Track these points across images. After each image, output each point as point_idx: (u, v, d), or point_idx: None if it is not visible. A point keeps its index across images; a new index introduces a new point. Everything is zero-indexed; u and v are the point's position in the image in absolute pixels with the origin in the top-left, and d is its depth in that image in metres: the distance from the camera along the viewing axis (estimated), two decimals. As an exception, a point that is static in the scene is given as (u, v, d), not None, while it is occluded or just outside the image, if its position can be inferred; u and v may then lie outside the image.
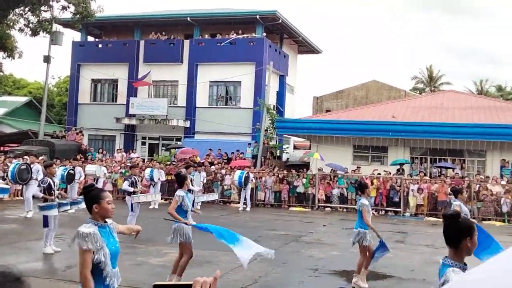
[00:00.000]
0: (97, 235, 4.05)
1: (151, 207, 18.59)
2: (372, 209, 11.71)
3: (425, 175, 23.20)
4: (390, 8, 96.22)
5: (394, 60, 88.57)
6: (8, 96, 44.07)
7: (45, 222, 10.73)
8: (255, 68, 31.03)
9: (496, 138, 23.39)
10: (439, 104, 28.20)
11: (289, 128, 28.69)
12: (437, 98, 30.40)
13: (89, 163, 24.06)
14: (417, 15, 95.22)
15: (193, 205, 16.22)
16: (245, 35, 31.86)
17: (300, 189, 22.81)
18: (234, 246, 6.59)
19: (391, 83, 40.70)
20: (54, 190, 11.06)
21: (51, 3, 29.57)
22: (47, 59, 30.74)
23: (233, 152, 27.15)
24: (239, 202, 21.83)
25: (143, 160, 27.92)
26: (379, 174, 22.94)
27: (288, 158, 31.81)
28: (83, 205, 11.91)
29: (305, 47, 38.48)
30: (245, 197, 21.33)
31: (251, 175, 21.71)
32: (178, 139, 32.23)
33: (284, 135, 31.65)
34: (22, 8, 28.86)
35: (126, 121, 32.67)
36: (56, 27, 31.04)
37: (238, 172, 21.35)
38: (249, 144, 28.56)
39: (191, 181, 16.82)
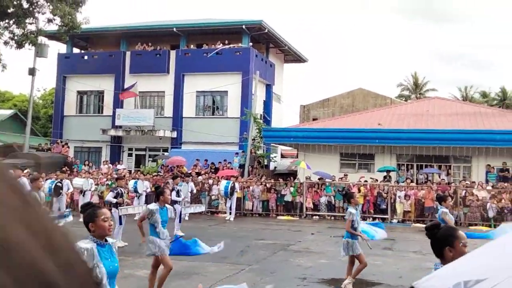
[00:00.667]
0: (94, 252, 3.99)
1: (135, 218, 18.43)
2: (360, 216, 11.71)
3: (411, 181, 23.34)
4: (373, 17, 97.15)
5: (380, 68, 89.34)
6: (-7, 109, 43.73)
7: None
8: (242, 78, 31.10)
9: (481, 144, 23.62)
10: (424, 111, 28.44)
11: (276, 137, 28.75)
12: (422, 105, 30.66)
13: (76, 176, 23.88)
14: (401, 22, 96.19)
15: (180, 217, 16.21)
16: (231, 45, 31.95)
17: (288, 198, 22.82)
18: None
19: (377, 90, 40.98)
20: None
21: (36, 15, 29.46)
22: (32, 71, 30.58)
23: (220, 162, 27.13)
24: (226, 212, 21.77)
25: (130, 172, 27.77)
26: (366, 181, 23.03)
27: (275, 167, 31.83)
28: (69, 219, 11.85)
29: (291, 56, 38.67)
30: (230, 206, 21.28)
31: (237, 185, 21.68)
32: (165, 150, 32.13)
33: (271, 144, 31.68)
34: (7, 21, 28.71)
35: (113, 132, 32.52)
36: (41, 39, 30.89)
37: (224, 182, 21.30)
38: (236, 153, 28.55)
39: (178, 191, 16.75)
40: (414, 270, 10.91)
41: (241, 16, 32.61)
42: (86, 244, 4.00)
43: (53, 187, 18.43)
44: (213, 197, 23.06)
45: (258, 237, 15.78)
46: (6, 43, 29.58)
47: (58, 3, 28.29)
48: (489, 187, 21.48)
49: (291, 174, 26.48)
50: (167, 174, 25.34)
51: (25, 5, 28.81)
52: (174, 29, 32.63)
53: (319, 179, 23.62)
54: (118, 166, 28.48)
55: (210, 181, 23.52)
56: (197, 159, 27.45)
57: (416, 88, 53.50)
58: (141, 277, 9.98)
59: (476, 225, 19.97)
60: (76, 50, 37.26)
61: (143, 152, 33.40)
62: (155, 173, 26.61)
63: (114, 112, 32.76)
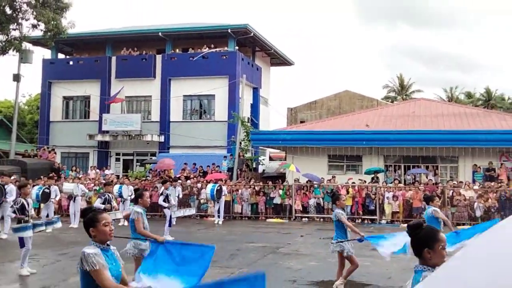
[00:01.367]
0: (101, 256, 3.96)
1: (120, 224, 18.31)
2: (348, 218, 11.79)
3: (399, 182, 23.48)
4: (356, 21, 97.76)
5: (365, 70, 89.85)
6: (-22, 116, 43.24)
7: (21, 242, 10.50)
8: (228, 81, 31.13)
9: (468, 144, 23.83)
10: (411, 112, 28.65)
11: (264, 140, 28.77)
12: (408, 106, 30.88)
13: (64, 181, 23.70)
14: (382, 26, 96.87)
15: (170, 221, 16.16)
16: (217, 49, 31.97)
17: (277, 200, 22.84)
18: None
19: (363, 92, 41.22)
20: (28, 211, 10.86)
21: (20, 21, 29.24)
22: (16, 77, 30.34)
23: (208, 166, 27.08)
24: (214, 216, 21.71)
25: (118, 177, 27.62)
26: (354, 183, 23.13)
27: (264, 170, 31.86)
28: (58, 225, 11.75)
29: (277, 60, 38.78)
30: (218, 209, 21.23)
31: (224, 188, 21.64)
32: (153, 154, 32.03)
33: (260, 147, 31.72)
34: (-10, 27, 28.46)
35: (100, 137, 32.36)
36: (25, 45, 30.66)
37: (210, 186, 21.21)
38: (225, 157, 28.53)
39: (168, 196, 16.70)
40: (403, 271, 10.95)
41: (227, 20, 32.60)
42: (92, 249, 3.97)
43: (40, 193, 18.26)
44: (202, 201, 23.01)
45: (248, 240, 15.77)
46: (-10, 49, 29.33)
47: (42, 9, 28.11)
48: (476, 187, 21.67)
49: (279, 177, 26.51)
50: (155, 179, 25.25)
51: (8, 11, 28.59)
52: (160, 34, 32.58)
53: (307, 181, 23.68)
54: (106, 171, 28.32)
55: (199, 185, 23.46)
56: (185, 163, 27.39)
57: (402, 89, 53.91)
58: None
59: (463, 224, 20.10)
60: (61, 56, 37.06)
61: (130, 157, 33.26)
62: (143, 178, 26.50)
63: (100, 117, 32.61)
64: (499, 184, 21.59)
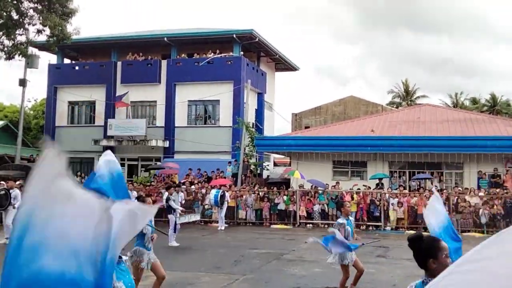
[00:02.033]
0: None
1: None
2: (354, 226, 11.68)
3: (404, 188, 23.39)
4: (360, 26, 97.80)
5: (370, 75, 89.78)
6: (-16, 120, 43.41)
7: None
8: (233, 87, 31.15)
9: (473, 150, 23.74)
10: (416, 118, 28.58)
11: (268, 145, 28.75)
12: (413, 112, 30.81)
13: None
14: (385, 31, 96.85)
15: (175, 227, 16.14)
16: (222, 54, 32.03)
17: (281, 206, 22.80)
18: None
19: (368, 98, 41.18)
20: None
21: (26, 26, 29.37)
22: (22, 82, 30.45)
23: (213, 171, 27.08)
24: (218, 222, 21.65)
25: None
26: (359, 189, 23.06)
27: (268, 176, 31.81)
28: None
29: (282, 65, 38.80)
30: (221, 215, 21.17)
31: (227, 194, 21.59)
32: (158, 160, 32.05)
33: (264, 153, 31.70)
34: (-3, 32, 28.60)
35: (105, 142, 32.42)
36: (31, 50, 30.79)
37: (213, 191, 21.17)
38: (229, 162, 28.52)
39: (173, 201, 16.68)
40: (408, 278, 10.91)
41: (232, 25, 32.68)
42: None
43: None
44: (206, 207, 22.99)
45: (252, 246, 15.74)
46: (-4, 55, 29.46)
47: (48, 14, 28.24)
48: (481, 193, 21.57)
49: (284, 183, 26.47)
50: (159, 184, 25.26)
51: (15, 16, 28.73)
52: (165, 39, 32.67)
53: (313, 186, 23.62)
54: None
55: (203, 191, 23.45)
56: (189, 169, 27.41)
57: (407, 95, 53.79)
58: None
59: (469, 231, 20.02)
60: (67, 61, 37.21)
61: (135, 162, 33.30)
62: (148, 183, 26.51)
63: (105, 122, 32.68)
64: (505, 191, 21.49)
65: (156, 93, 32.86)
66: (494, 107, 50.09)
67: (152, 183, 26.61)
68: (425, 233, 3.72)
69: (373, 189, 23.13)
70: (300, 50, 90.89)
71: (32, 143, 41.82)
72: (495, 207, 20.40)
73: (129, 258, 7.95)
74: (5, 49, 29.16)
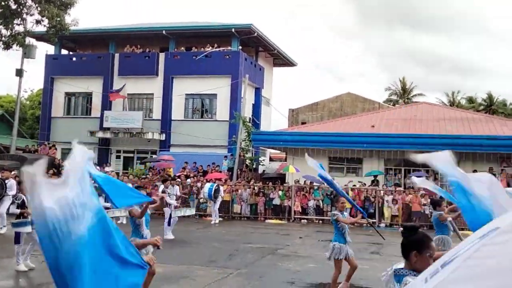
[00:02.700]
0: None
1: (119, 221, 18.30)
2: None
3: (399, 186, 23.46)
4: (357, 23, 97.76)
5: (366, 73, 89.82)
6: (-21, 110, 43.27)
7: (17, 239, 10.54)
8: (231, 81, 31.13)
9: (468, 149, 23.79)
10: (412, 116, 28.62)
11: (265, 140, 28.76)
12: (410, 110, 30.85)
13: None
14: (382, 29, 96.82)
15: (169, 220, 16.15)
16: (220, 48, 31.97)
17: (276, 201, 22.85)
18: None
19: (365, 95, 41.17)
20: (27, 207, 10.88)
21: (24, 16, 29.25)
22: (19, 72, 30.34)
23: (209, 165, 27.09)
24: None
25: (118, 174, 27.62)
26: (354, 185, 23.12)
27: (264, 171, 31.84)
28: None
29: (281, 60, 38.76)
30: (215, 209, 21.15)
31: (221, 188, 21.58)
32: (154, 153, 32.03)
33: (260, 147, 31.71)
34: (-5, 22, 28.48)
35: (101, 134, 32.36)
36: (29, 40, 30.67)
37: (208, 185, 21.17)
38: (225, 156, 28.53)
39: (169, 194, 16.68)
40: (401, 275, 10.95)
41: (231, 19, 32.61)
42: None
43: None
44: (201, 200, 23.01)
45: (246, 241, 15.78)
46: (-7, 44, 29.36)
47: (46, 5, 28.13)
48: (475, 192, 21.61)
49: (279, 178, 26.50)
50: (155, 177, 25.25)
51: (13, 6, 28.61)
52: (164, 32, 32.59)
53: (308, 182, 23.66)
54: (106, 169, 28.29)
55: (199, 184, 23.46)
56: (185, 162, 27.41)
57: (403, 93, 53.86)
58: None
59: (463, 229, 20.07)
60: (64, 52, 37.08)
61: (131, 155, 33.27)
62: (143, 176, 26.50)
63: (102, 114, 32.62)
64: (499, 190, 21.55)
65: (153, 86, 32.81)
66: (490, 106, 50.20)
67: (148, 175, 26.59)
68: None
69: (368, 186, 23.19)
70: (298, 46, 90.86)
71: (27, 133, 41.72)
72: (489, 206, 20.46)
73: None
74: (3, 38, 29.08)
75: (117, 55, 33.94)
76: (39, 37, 32.12)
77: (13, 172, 21.29)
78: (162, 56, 33.02)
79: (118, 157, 33.55)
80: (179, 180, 22.90)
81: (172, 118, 32.39)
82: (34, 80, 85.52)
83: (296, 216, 22.50)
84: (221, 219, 21.31)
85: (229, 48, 32.10)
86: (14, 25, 29.14)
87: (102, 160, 31.64)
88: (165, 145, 31.99)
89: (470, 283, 1.19)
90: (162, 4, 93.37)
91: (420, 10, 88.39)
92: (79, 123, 33.65)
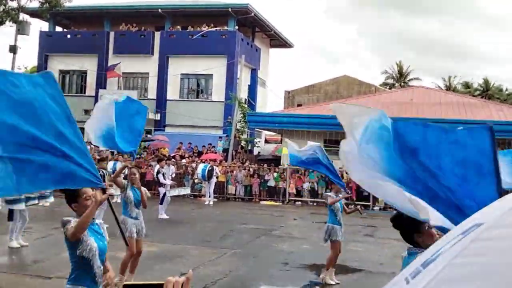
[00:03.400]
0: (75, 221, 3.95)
1: (114, 200, 18.25)
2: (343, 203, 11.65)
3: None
4: (354, 7, 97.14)
5: (361, 56, 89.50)
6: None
7: (10, 216, 10.49)
8: (227, 61, 30.91)
9: (463, 134, 23.80)
10: (408, 100, 28.56)
11: (260, 122, 28.63)
12: (406, 94, 30.77)
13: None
14: (376, 11, 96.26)
15: (163, 199, 16.12)
16: (217, 28, 31.68)
17: (271, 183, 22.84)
18: None
19: (362, 78, 41.10)
20: None
21: (18, -9, 28.85)
22: (13, 49, 30.01)
23: (204, 146, 27.01)
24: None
25: (112, 153, 27.51)
26: (349, 168, 23.11)
27: (259, 152, 31.80)
28: (51, 199, 11.71)
29: (277, 41, 38.50)
30: (209, 190, 21.13)
31: (216, 169, 21.52)
32: (148, 132, 31.86)
33: (256, 129, 31.63)
34: (-13, -3, 28.08)
35: (95, 113, 32.13)
36: (23, 16, 30.28)
37: (201, 166, 21.08)
38: (220, 137, 28.45)
39: (163, 174, 16.62)
40: (394, 257, 10.96)
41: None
42: (68, 218, 3.98)
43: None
44: (196, 181, 22.97)
45: (241, 222, 15.79)
46: (-14, 19, 28.98)
47: (41, -20, 27.75)
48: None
49: (274, 160, 26.47)
50: (149, 157, 25.17)
51: (7, -20, 28.20)
52: (159, 10, 32.24)
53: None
54: (100, 148, 28.16)
55: (193, 165, 23.40)
56: (180, 142, 27.31)
57: (400, 76, 53.73)
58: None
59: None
60: (58, 29, 36.67)
61: (126, 134, 33.08)
62: (138, 156, 26.39)
63: (97, 93, 32.36)
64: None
65: (148, 65, 32.53)
66: (487, 91, 50.21)
67: (142, 155, 26.49)
68: None
69: (363, 169, 23.20)
70: (295, 28, 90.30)
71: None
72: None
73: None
74: (-4, 14, 28.69)
75: (112, 33, 33.58)
76: (33, 13, 31.70)
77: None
78: (157, 35, 32.70)
79: (112, 136, 33.39)
80: (174, 160, 22.82)
81: (167, 98, 32.19)
82: (28, 57, 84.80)
83: (290, 198, 22.53)
84: (215, 200, 21.31)
85: (226, 28, 31.82)
86: (7, 1, 28.74)
87: (96, 139, 31.49)
88: (160, 125, 31.84)
89: (464, 283, 1.13)
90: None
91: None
92: (73, 101, 33.27)
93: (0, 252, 10.16)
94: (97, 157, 22.57)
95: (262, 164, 24.63)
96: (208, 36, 31.40)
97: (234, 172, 23.26)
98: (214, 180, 21.17)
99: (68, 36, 35.21)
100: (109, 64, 32.81)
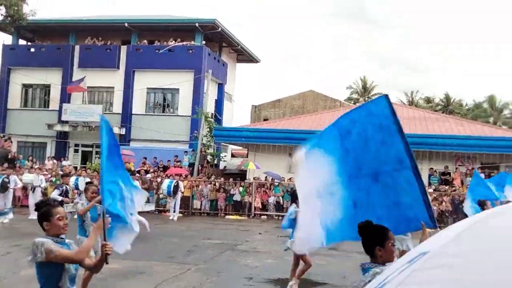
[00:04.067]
0: (54, 243, 3.90)
1: (75, 217, 17.96)
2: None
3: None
4: (318, 17, 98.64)
5: (329, 71, 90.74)
6: None
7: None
8: (194, 76, 30.94)
9: (426, 148, 24.33)
10: (372, 115, 29.07)
11: (226, 136, 28.73)
12: (370, 109, 31.30)
13: (19, 172, 23.10)
14: (341, 28, 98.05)
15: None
16: (184, 43, 31.72)
17: (237, 198, 22.87)
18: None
19: (327, 93, 41.66)
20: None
21: (-20, 4, 28.33)
22: (-26, 62, 29.38)
23: (169, 160, 26.87)
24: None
25: (76, 168, 27.12)
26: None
27: (225, 167, 31.81)
28: (10, 216, 11.50)
29: (244, 56, 38.76)
30: (174, 205, 21.02)
31: (181, 184, 21.44)
32: (114, 147, 31.51)
33: (222, 144, 31.66)
34: None
35: (59, 127, 31.67)
36: (-16, 29, 29.75)
37: (167, 181, 21.01)
38: (186, 152, 28.37)
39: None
40: (357, 270, 11.11)
41: (195, 14, 32.39)
42: (44, 239, 3.91)
43: (0, 182, 17.75)
44: (161, 196, 22.80)
45: (206, 237, 15.75)
46: None
47: (4, -8, 27.34)
48: (431, 190, 22.16)
49: (240, 174, 26.54)
50: (114, 172, 24.85)
51: (-31, -8, 27.69)
52: (126, 24, 32.09)
53: (268, 178, 23.77)
54: (64, 162, 27.75)
55: (159, 180, 23.25)
56: (144, 157, 27.07)
57: (364, 91, 54.70)
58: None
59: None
60: (22, 42, 36.09)
61: (90, 149, 32.67)
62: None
63: (60, 107, 31.91)
64: (453, 188, 22.17)
65: (114, 79, 32.29)
66: (447, 106, 51.53)
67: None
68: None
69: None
70: (262, 42, 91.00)
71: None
72: (443, 203, 21.03)
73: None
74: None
75: (77, 47, 33.24)
76: (-4, 26, 31.18)
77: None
78: (124, 49, 32.52)
79: (76, 151, 32.92)
80: (138, 175, 22.65)
81: (133, 112, 31.96)
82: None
83: (256, 212, 22.59)
84: (180, 215, 21.19)
85: (193, 42, 31.88)
86: (-31, 13, 28.20)
87: (59, 154, 31.01)
88: (125, 139, 31.53)
89: None
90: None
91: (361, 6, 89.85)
92: (36, 115, 32.84)
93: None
94: (60, 172, 22.28)
95: (228, 179, 24.66)
96: (175, 51, 31.40)
97: (200, 186, 23.21)
98: (179, 195, 21.08)
99: (32, 49, 34.68)
100: (74, 77, 32.42)
